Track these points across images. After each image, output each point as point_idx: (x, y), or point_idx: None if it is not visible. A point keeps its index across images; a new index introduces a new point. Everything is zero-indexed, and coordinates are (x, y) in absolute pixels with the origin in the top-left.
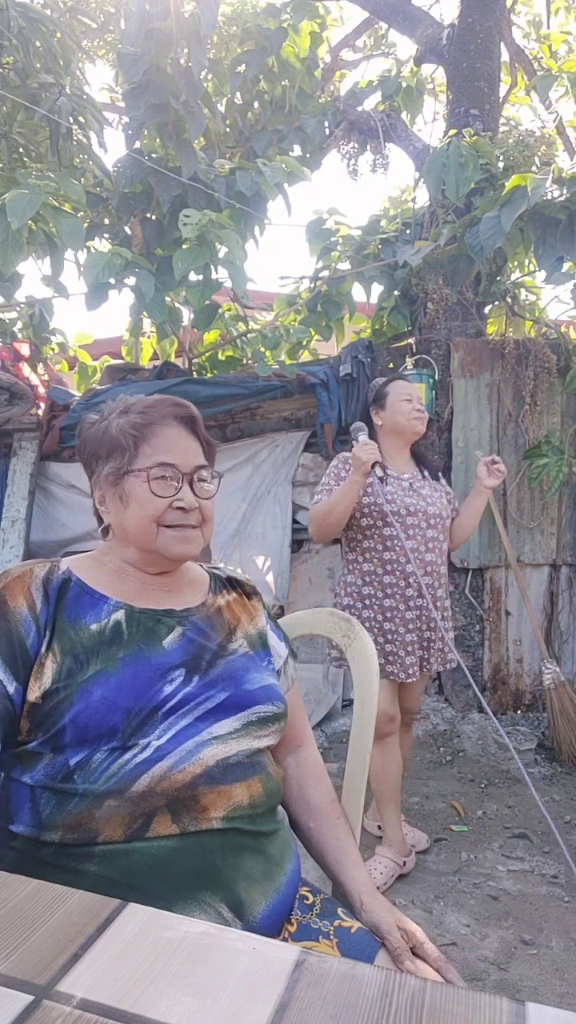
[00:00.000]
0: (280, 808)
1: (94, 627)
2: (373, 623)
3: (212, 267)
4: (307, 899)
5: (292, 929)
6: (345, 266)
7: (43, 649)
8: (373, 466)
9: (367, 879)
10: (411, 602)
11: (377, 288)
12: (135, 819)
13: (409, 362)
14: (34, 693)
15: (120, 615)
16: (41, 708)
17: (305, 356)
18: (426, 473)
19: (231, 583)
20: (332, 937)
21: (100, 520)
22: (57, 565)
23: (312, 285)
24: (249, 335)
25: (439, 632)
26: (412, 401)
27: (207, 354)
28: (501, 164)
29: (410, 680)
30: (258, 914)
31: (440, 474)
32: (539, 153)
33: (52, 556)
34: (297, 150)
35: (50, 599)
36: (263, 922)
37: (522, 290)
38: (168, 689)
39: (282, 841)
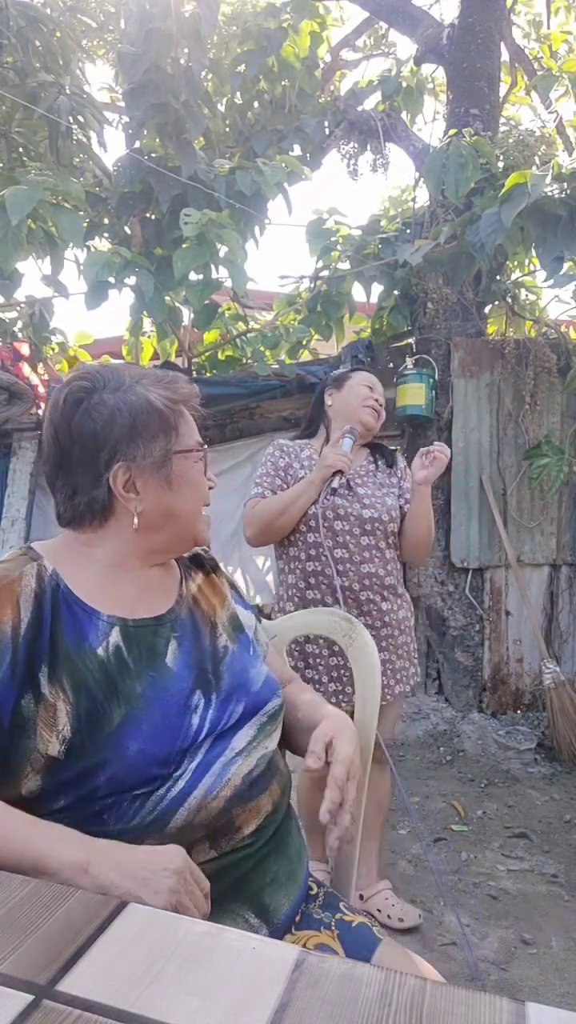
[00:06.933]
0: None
1: (100, 652)
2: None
3: (212, 266)
4: (312, 889)
5: (297, 919)
6: (345, 266)
7: (45, 684)
8: (335, 474)
9: (339, 711)
10: None
11: (377, 288)
12: None
13: (409, 362)
14: (53, 746)
15: (116, 636)
16: (66, 768)
17: (305, 356)
18: (380, 464)
19: (194, 562)
20: (333, 928)
21: (92, 507)
22: (44, 567)
23: (312, 285)
24: (249, 335)
25: (398, 651)
26: (373, 390)
27: (207, 354)
28: (501, 164)
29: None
30: (283, 915)
31: (397, 462)
32: (539, 153)
33: None
34: (297, 150)
35: (44, 619)
36: (285, 921)
37: (522, 290)
38: (196, 721)
39: (296, 836)
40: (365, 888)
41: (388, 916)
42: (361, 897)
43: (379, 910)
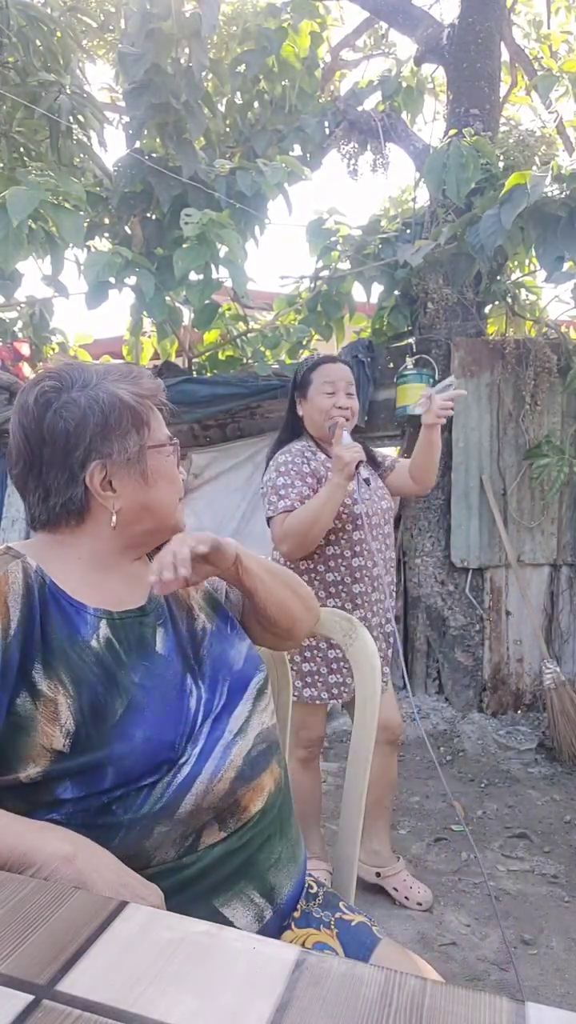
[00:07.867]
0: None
1: (93, 643)
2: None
3: (212, 266)
4: (311, 888)
5: (296, 915)
6: (345, 266)
7: (42, 680)
8: (357, 467)
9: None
10: (376, 607)
11: (377, 288)
12: (186, 838)
13: (409, 362)
14: (57, 740)
15: (105, 628)
16: (71, 759)
17: (305, 356)
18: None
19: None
20: (333, 927)
21: (69, 508)
22: (28, 563)
23: (312, 285)
24: (249, 335)
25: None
26: (336, 393)
27: (207, 353)
28: (501, 164)
29: (333, 701)
30: (285, 896)
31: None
32: (539, 153)
33: None
34: (297, 150)
35: (34, 615)
36: (288, 904)
37: (522, 290)
38: (192, 703)
39: (295, 818)
40: (383, 866)
41: (406, 898)
42: (378, 875)
43: (396, 889)
